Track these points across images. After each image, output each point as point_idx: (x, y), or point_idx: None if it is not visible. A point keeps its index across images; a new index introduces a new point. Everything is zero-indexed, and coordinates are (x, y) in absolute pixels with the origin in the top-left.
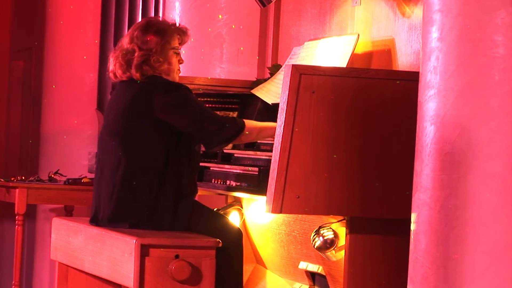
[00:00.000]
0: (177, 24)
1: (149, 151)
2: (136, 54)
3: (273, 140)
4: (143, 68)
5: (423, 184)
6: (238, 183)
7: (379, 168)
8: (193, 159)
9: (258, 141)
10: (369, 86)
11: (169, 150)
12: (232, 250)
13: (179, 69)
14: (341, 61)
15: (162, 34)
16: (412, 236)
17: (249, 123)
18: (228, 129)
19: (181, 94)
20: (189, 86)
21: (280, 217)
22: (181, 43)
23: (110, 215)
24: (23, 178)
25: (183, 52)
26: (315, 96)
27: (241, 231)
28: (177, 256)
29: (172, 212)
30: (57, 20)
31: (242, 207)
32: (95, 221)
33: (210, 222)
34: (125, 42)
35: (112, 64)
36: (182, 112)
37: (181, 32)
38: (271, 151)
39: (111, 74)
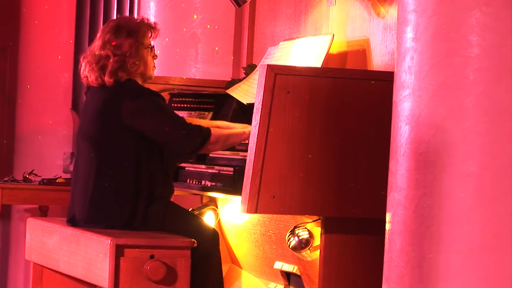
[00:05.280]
0: (145, 20)
1: (120, 154)
2: (110, 60)
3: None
4: (118, 74)
5: (398, 184)
6: (213, 183)
7: (354, 168)
8: (166, 160)
9: None
10: (344, 86)
11: (140, 153)
12: (208, 251)
13: (154, 66)
14: (316, 61)
15: (134, 35)
16: (387, 236)
17: (215, 131)
18: (193, 139)
19: (149, 100)
20: (164, 86)
21: (255, 217)
22: (152, 38)
23: (86, 217)
24: None
25: (158, 52)
26: (290, 96)
27: (216, 232)
28: (152, 256)
29: (145, 215)
30: (32, 20)
31: (217, 207)
32: (72, 222)
33: (185, 223)
34: (97, 46)
35: (84, 69)
36: (147, 117)
37: (152, 28)
38: (246, 151)
39: (84, 79)
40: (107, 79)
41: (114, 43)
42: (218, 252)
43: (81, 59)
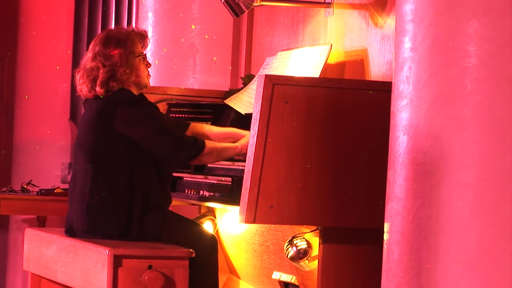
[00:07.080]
0: (135, 30)
1: (113, 163)
2: (101, 71)
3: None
4: (109, 84)
5: (396, 194)
6: (211, 193)
7: (352, 178)
8: (161, 169)
9: None
10: (342, 96)
11: (133, 162)
12: (207, 257)
13: (148, 74)
14: (314, 71)
15: (123, 45)
16: (385, 246)
17: (210, 143)
18: (187, 149)
19: (142, 109)
20: (162, 96)
21: (254, 227)
22: (143, 47)
23: (84, 228)
24: None
25: (157, 62)
26: (288, 106)
27: (215, 238)
28: (150, 267)
29: (142, 224)
30: (30, 30)
31: (215, 218)
32: (70, 232)
33: (184, 230)
34: (88, 59)
35: (78, 82)
36: (140, 126)
37: (141, 37)
38: (245, 161)
39: (80, 92)
40: (98, 89)
41: (104, 53)
42: (216, 258)
43: (75, 74)
